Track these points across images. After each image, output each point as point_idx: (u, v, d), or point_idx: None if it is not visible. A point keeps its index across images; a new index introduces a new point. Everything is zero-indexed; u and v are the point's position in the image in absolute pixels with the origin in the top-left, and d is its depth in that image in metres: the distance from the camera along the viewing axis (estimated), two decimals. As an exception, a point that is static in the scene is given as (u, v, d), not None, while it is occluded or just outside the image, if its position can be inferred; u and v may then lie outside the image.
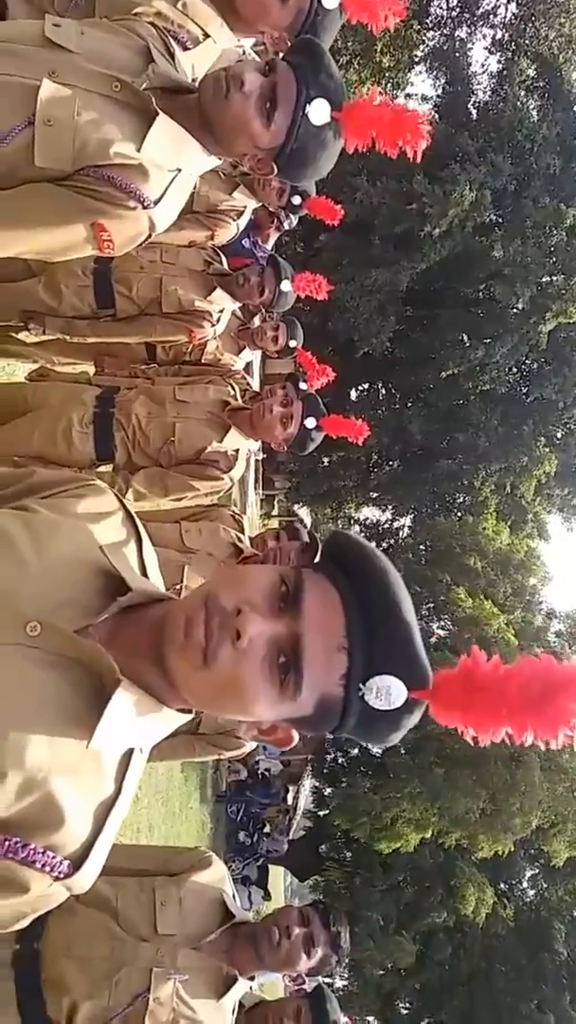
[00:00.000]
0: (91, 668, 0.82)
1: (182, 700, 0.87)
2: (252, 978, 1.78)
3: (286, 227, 3.61)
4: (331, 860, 13.04)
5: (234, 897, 1.84)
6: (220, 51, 1.57)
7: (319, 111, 1.30)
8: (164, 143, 1.31)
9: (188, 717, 0.91)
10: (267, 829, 14.75)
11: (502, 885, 12.78)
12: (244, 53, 1.81)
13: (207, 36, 1.54)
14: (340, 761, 13.64)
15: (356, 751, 13.24)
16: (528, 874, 13.62)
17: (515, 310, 12.84)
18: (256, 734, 0.91)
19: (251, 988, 1.80)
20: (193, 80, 1.42)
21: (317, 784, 14.12)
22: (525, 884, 13.92)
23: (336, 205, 3.25)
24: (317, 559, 0.91)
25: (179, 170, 1.36)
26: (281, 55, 1.39)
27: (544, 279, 12.40)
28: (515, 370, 14.07)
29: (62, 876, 0.80)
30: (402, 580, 0.85)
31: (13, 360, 3.39)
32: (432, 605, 12.68)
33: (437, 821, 9.64)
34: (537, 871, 13.30)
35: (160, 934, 1.64)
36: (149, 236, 1.39)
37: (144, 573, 0.95)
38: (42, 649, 0.81)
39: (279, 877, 17.19)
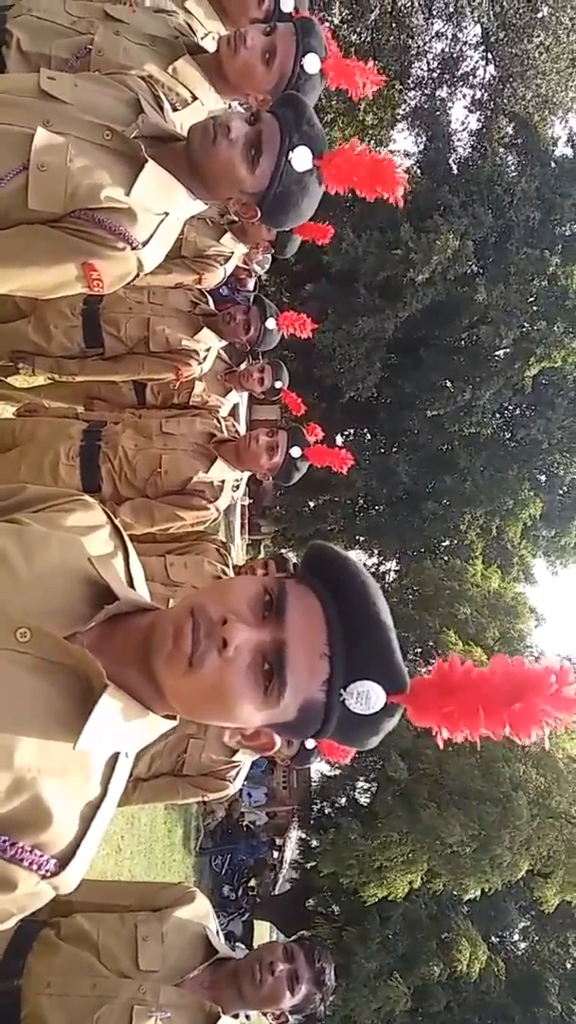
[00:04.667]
0: (79, 673, 0.85)
1: (168, 706, 0.90)
2: (236, 1016, 1.74)
3: (259, 271, 3.70)
4: (319, 914, 12.73)
5: (217, 933, 1.81)
6: (208, 112, 1.65)
7: (302, 158, 1.38)
8: (152, 188, 1.38)
9: (173, 723, 0.93)
10: (252, 883, 14.40)
11: (493, 938, 12.51)
12: (229, 107, 1.90)
13: (195, 98, 1.63)
14: (327, 811, 13.40)
15: (343, 800, 13.02)
16: (520, 925, 13.35)
17: (499, 355, 13.08)
18: (240, 740, 0.93)
19: None
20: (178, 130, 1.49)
21: (303, 835, 13.84)
22: (516, 936, 13.64)
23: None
24: (300, 570, 0.94)
25: (166, 214, 1.43)
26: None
27: (527, 325, 12.66)
28: (500, 415, 14.27)
29: (49, 875, 0.82)
30: (379, 588, 0.89)
31: (2, 403, 3.43)
32: (420, 650, 12.63)
33: (427, 859, 9.48)
34: (528, 923, 13.04)
35: (142, 970, 1.62)
36: (137, 275, 1.45)
37: (131, 584, 0.99)
38: (31, 654, 0.84)
39: (265, 934, 16.73)
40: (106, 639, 0.89)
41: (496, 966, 11.13)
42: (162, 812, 7.98)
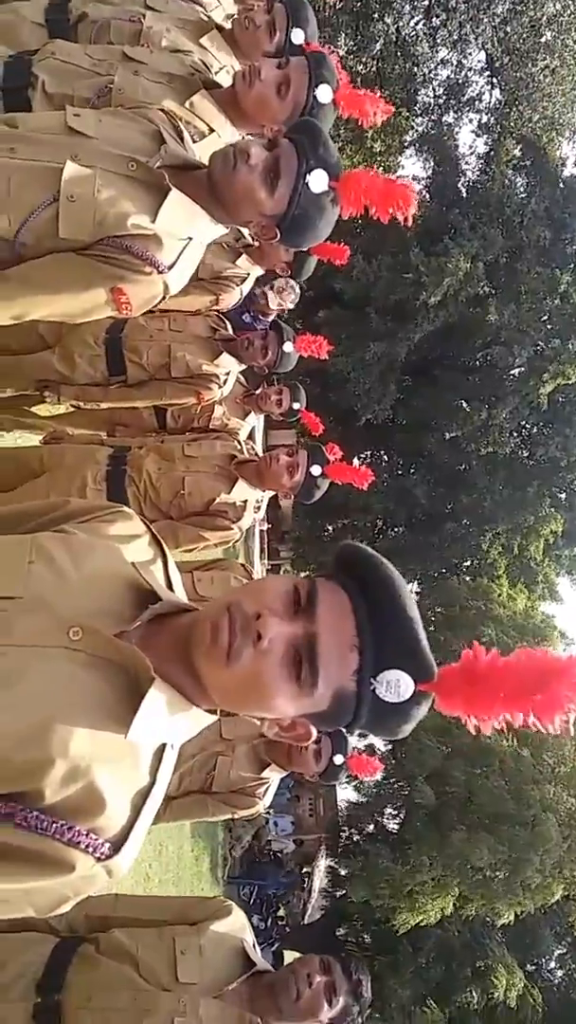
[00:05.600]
0: (127, 668, 0.90)
1: (209, 700, 0.95)
2: None
3: (289, 306, 3.77)
4: (350, 943, 12.54)
5: (254, 946, 1.82)
6: (224, 144, 1.73)
7: (318, 180, 1.44)
8: (176, 214, 1.45)
9: (214, 717, 0.98)
10: (281, 912, 14.23)
11: (529, 966, 12.25)
12: (243, 139, 1.99)
13: (212, 131, 1.70)
14: (355, 838, 13.25)
15: (371, 826, 12.88)
16: (556, 952, 13.08)
17: (513, 373, 13.13)
18: (278, 731, 0.98)
19: None
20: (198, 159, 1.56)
21: (332, 863, 13.68)
22: (553, 963, 13.36)
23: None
24: (330, 568, 0.99)
25: (190, 238, 1.49)
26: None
27: (540, 343, 12.70)
28: (517, 433, 14.27)
29: (103, 857, 0.86)
30: (405, 583, 0.93)
31: (27, 432, 3.51)
32: (446, 672, 12.53)
33: (458, 883, 9.33)
34: (565, 950, 12.77)
35: (181, 983, 1.63)
36: (164, 298, 1.52)
37: (170, 587, 1.04)
38: (84, 651, 0.89)
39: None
40: (151, 638, 0.95)
41: (533, 994, 10.88)
42: (189, 840, 7.94)
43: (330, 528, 15.65)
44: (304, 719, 0.95)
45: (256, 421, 3.68)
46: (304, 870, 16.17)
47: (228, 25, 2.12)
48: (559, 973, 12.83)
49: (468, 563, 15.32)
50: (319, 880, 15.43)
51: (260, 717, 0.96)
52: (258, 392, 3.54)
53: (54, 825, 0.83)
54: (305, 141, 1.46)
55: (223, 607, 0.91)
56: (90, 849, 0.85)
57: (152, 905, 1.93)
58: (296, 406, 3.42)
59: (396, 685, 0.88)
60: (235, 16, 2.20)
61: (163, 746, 0.93)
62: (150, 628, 0.95)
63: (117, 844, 0.87)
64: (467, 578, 14.82)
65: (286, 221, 1.49)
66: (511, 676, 0.85)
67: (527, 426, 14.39)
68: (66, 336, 2.75)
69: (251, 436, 3.48)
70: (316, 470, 2.72)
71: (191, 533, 2.57)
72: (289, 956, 13.57)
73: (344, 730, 0.96)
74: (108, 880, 0.89)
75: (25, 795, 0.83)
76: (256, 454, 2.93)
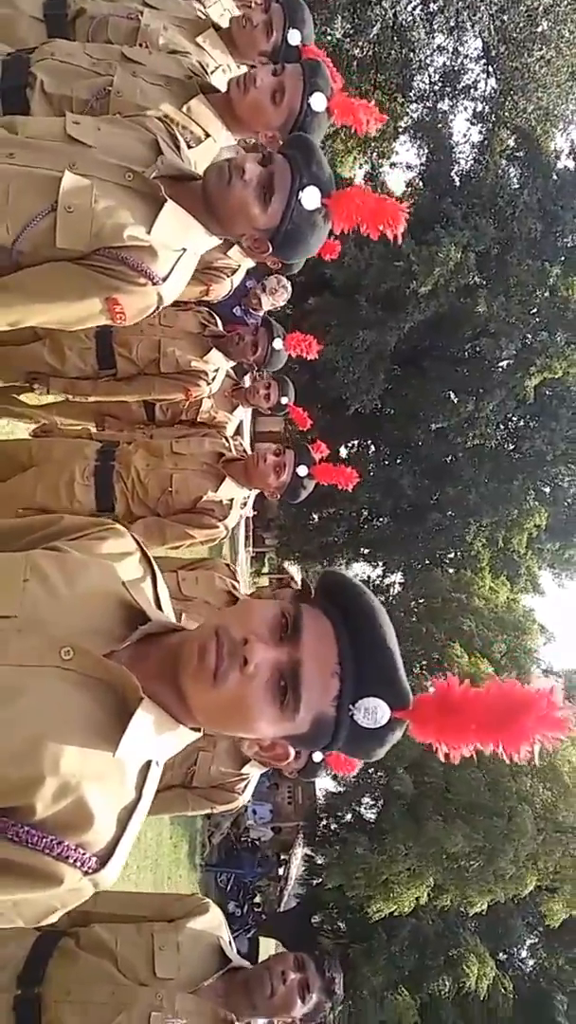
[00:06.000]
0: (116, 688, 0.93)
1: (193, 719, 0.98)
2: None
3: (280, 304, 3.76)
4: (324, 931, 12.70)
5: (230, 943, 1.85)
6: (219, 148, 1.74)
7: (311, 197, 1.47)
8: (171, 226, 1.46)
9: (198, 735, 1.01)
10: (257, 900, 14.34)
11: (501, 955, 12.44)
12: (239, 143, 1.99)
13: (208, 135, 1.71)
14: (332, 827, 13.37)
15: (349, 815, 13.00)
16: (528, 942, 13.29)
17: (501, 366, 13.14)
18: (257, 751, 1.01)
19: None
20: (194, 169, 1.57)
21: (309, 852, 13.83)
22: (525, 953, 13.57)
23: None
24: (312, 595, 1.01)
25: (184, 249, 1.51)
26: (276, 150, 1.54)
27: (528, 336, 12.72)
28: (503, 426, 14.31)
29: (91, 871, 0.89)
30: (385, 612, 0.96)
31: (15, 420, 3.50)
32: (425, 662, 12.63)
33: (433, 873, 9.47)
34: (536, 940, 12.99)
35: (159, 978, 1.66)
36: (157, 308, 1.53)
37: (159, 606, 1.06)
38: (74, 671, 0.92)
39: (270, 950, 16.66)
40: (139, 657, 0.97)
41: (504, 983, 11.07)
42: (168, 827, 8.00)
43: (315, 517, 15.67)
44: (284, 740, 0.98)
45: (244, 413, 3.69)
46: (281, 858, 16.32)
47: (225, 23, 2.11)
48: (530, 962, 13.06)
49: (452, 555, 15.40)
50: (296, 868, 15.59)
51: (242, 737, 0.98)
52: (247, 386, 3.55)
53: (44, 840, 0.86)
54: (299, 158, 1.48)
55: (211, 630, 0.93)
56: (78, 863, 0.88)
57: (131, 901, 1.95)
58: (284, 400, 3.43)
59: (374, 712, 0.91)
60: (233, 15, 2.19)
61: (149, 763, 0.96)
62: (138, 647, 0.98)
63: (104, 858, 0.90)
64: (450, 570, 14.90)
65: (279, 236, 1.51)
66: (482, 708, 0.88)
67: (513, 419, 14.44)
68: (57, 330, 2.75)
69: (239, 430, 3.49)
70: (303, 470, 2.74)
71: (178, 530, 2.59)
72: (265, 943, 13.73)
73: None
74: (94, 891, 0.92)
75: (17, 810, 0.86)
76: (244, 450, 2.94)
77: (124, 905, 1.85)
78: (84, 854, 0.88)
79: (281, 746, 0.99)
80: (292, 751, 1.00)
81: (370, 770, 11.44)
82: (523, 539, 14.20)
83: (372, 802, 12.35)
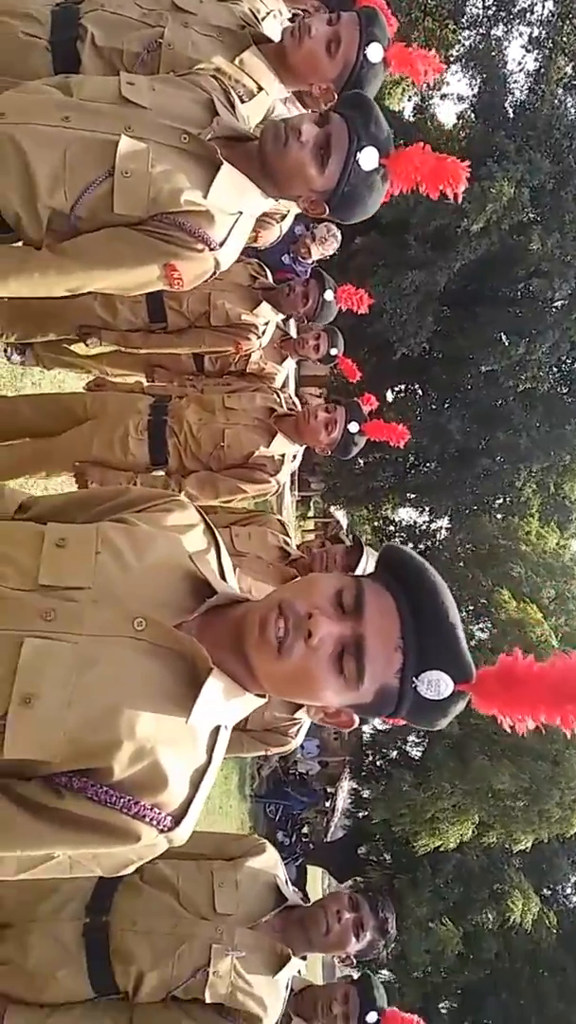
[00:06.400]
0: (187, 658, 0.97)
1: (259, 686, 1.02)
2: (304, 958, 1.88)
3: (329, 253, 3.71)
4: (370, 862, 13.06)
5: (287, 882, 1.94)
6: (273, 101, 1.70)
7: (369, 158, 1.45)
8: (228, 190, 1.46)
9: (264, 700, 1.06)
10: (305, 830, 14.79)
11: (546, 891, 12.68)
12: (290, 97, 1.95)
13: (261, 89, 1.68)
14: (378, 763, 13.62)
15: (394, 752, 13.21)
16: (573, 879, 13.51)
17: (555, 306, 12.74)
18: (323, 717, 1.05)
19: (300, 971, 1.90)
20: (250, 130, 1.56)
21: (356, 786, 14.14)
22: (569, 889, 13.82)
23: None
24: (375, 570, 1.04)
25: (240, 213, 1.51)
26: (331, 106, 1.51)
27: (583, 276, 12.27)
28: (556, 368, 13.93)
29: (166, 829, 0.95)
30: (447, 587, 0.98)
31: (66, 370, 3.55)
32: (473, 608, 12.62)
33: (478, 810, 9.62)
34: (581, 876, 13.19)
35: (219, 913, 1.76)
36: (214, 273, 1.53)
37: (223, 577, 1.09)
38: (147, 641, 0.96)
39: (317, 879, 17.24)
40: (206, 627, 1.01)
41: (548, 918, 11.29)
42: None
43: (361, 462, 15.55)
44: (348, 708, 1.01)
45: (292, 364, 3.69)
46: (328, 791, 16.74)
47: None
48: (575, 899, 13.28)
49: (500, 501, 15.21)
50: (342, 801, 15.99)
51: (308, 705, 1.02)
52: (296, 337, 3.53)
53: (122, 800, 0.91)
54: (357, 117, 1.45)
55: (274, 603, 0.97)
56: (154, 822, 0.93)
57: (193, 839, 2.05)
58: (334, 352, 3.41)
59: (437, 684, 0.94)
60: None
61: (218, 727, 1.00)
62: (205, 617, 1.02)
63: (178, 817, 0.96)
64: (498, 516, 14.74)
65: (336, 197, 1.50)
66: (546, 683, 0.90)
67: (567, 361, 14.03)
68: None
69: (285, 383, 3.49)
70: (353, 427, 2.74)
71: (230, 485, 2.63)
72: (312, 871, 14.19)
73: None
74: (168, 848, 0.98)
75: (97, 771, 0.91)
76: (294, 404, 2.94)
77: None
78: (160, 813, 0.94)
79: (346, 713, 1.03)
80: (356, 719, 1.03)
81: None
82: (575, 485, 13.94)
83: (418, 740, 12.53)
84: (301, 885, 12.13)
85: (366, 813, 12.06)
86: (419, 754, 12.35)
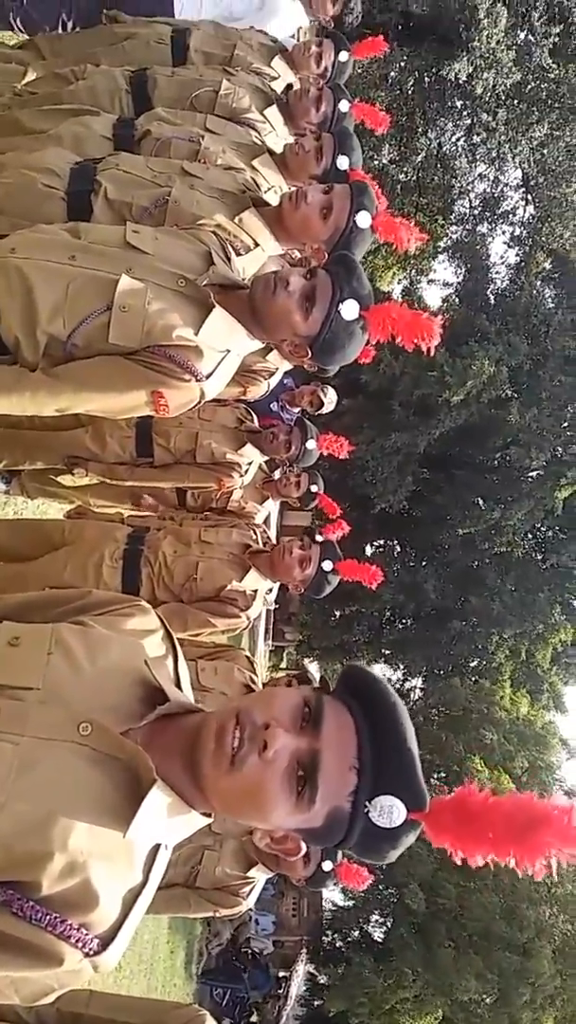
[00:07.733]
0: (131, 767, 0.92)
1: (207, 804, 0.97)
2: None
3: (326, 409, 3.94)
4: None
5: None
6: (267, 257, 1.87)
7: (350, 309, 1.59)
8: (218, 329, 1.57)
9: (209, 820, 1.00)
10: (254, 1018, 13.48)
11: None
12: (286, 254, 2.14)
13: (257, 245, 1.85)
14: (338, 944, 12.69)
15: (356, 932, 12.33)
16: None
17: (530, 476, 13.23)
18: (269, 843, 1.00)
19: None
20: (243, 280, 1.71)
21: (312, 970, 13.08)
22: None
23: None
24: (335, 688, 1.03)
25: (228, 351, 1.61)
26: (320, 265, 1.66)
27: (559, 448, 12.85)
28: (531, 535, 14.28)
29: (92, 953, 0.87)
30: (407, 712, 0.96)
31: (49, 500, 3.59)
32: (444, 774, 12.21)
33: (440, 1004, 8.85)
34: None
35: None
36: (199, 403, 1.62)
37: (178, 685, 1.06)
38: (90, 747, 0.92)
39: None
40: (156, 736, 0.97)
41: None
42: (166, 931, 7.65)
43: (337, 614, 15.53)
44: (296, 834, 0.97)
45: (273, 505, 3.76)
46: (282, 974, 15.42)
47: (279, 149, 2.28)
48: None
49: (473, 663, 15.11)
50: (296, 987, 14.70)
51: (254, 827, 0.97)
52: (277, 478, 3.64)
53: (47, 917, 0.84)
54: (341, 273, 1.60)
55: (232, 712, 0.94)
56: (79, 944, 0.86)
57: (125, 1006, 1.86)
58: (314, 489, 3.51)
59: (390, 811, 0.90)
60: (287, 142, 2.36)
61: (157, 846, 0.95)
62: (156, 726, 0.98)
63: (106, 941, 0.89)
64: (471, 679, 14.59)
65: (318, 343, 1.63)
66: (500, 818, 0.87)
67: (541, 529, 14.41)
68: (101, 418, 2.86)
69: (266, 521, 3.55)
70: (327, 565, 2.77)
71: (200, 618, 2.61)
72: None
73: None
74: (93, 975, 0.90)
75: (23, 885, 0.85)
76: (269, 540, 2.98)
77: (118, 1010, 1.77)
78: (87, 935, 0.87)
79: (293, 839, 0.98)
80: (304, 845, 0.98)
81: (380, 886, 10.93)
82: (547, 654, 13.92)
83: (381, 920, 11.73)
84: None
85: (322, 1002, 11.10)
86: (382, 936, 11.55)
